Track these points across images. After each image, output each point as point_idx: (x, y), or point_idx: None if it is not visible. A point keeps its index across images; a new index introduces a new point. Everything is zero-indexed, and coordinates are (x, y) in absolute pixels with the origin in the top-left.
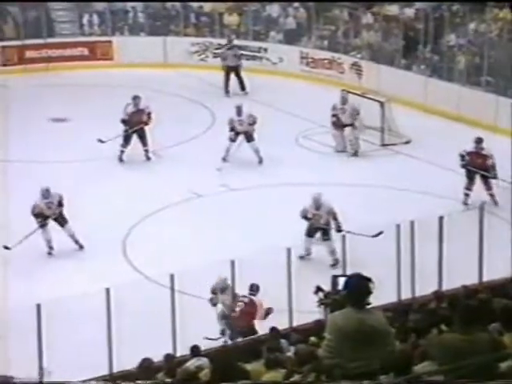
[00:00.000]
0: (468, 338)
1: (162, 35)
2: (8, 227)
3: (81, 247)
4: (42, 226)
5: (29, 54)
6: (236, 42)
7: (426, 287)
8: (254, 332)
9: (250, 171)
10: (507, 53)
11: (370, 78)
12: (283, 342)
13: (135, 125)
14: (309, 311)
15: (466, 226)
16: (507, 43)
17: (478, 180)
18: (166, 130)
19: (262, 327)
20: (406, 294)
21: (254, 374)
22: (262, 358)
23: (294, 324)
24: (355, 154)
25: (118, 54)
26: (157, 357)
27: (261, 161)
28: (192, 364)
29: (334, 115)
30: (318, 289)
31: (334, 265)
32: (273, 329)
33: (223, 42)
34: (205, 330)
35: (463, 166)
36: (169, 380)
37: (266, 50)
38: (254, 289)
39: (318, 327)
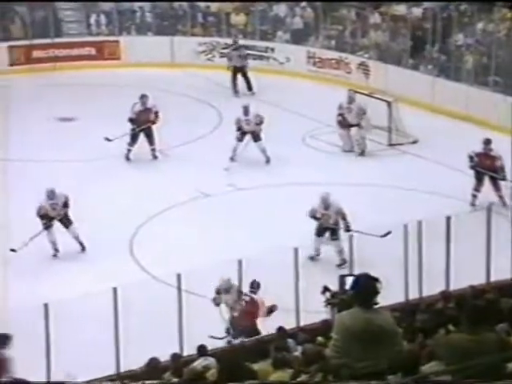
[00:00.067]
0: (475, 338)
1: (169, 35)
2: (15, 227)
3: (83, 249)
4: (47, 227)
5: (36, 53)
6: (243, 41)
7: (433, 287)
8: (257, 331)
9: (257, 171)
10: None
11: (378, 78)
12: (290, 341)
13: (142, 124)
14: (316, 311)
15: (473, 226)
16: None
17: (486, 181)
18: (173, 129)
19: (268, 327)
20: (413, 294)
21: (261, 374)
22: (269, 358)
23: (302, 324)
24: (362, 153)
25: (125, 54)
26: (164, 356)
27: (268, 160)
28: (199, 364)
29: (340, 114)
30: (326, 289)
31: (341, 265)
32: (280, 328)
33: (230, 41)
34: (211, 329)
35: (472, 168)
36: (176, 380)
37: (273, 49)
38: (254, 286)
39: (325, 327)
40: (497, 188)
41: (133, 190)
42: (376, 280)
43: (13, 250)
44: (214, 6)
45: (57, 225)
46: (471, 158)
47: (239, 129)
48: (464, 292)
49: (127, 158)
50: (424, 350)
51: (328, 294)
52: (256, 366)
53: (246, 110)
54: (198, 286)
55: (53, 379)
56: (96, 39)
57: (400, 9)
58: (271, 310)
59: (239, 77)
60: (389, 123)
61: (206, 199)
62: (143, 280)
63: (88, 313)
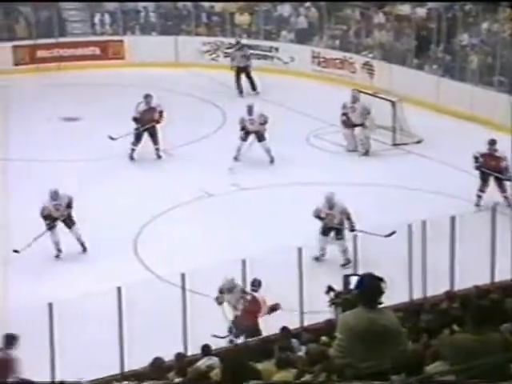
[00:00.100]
0: (480, 338)
1: (173, 35)
2: (19, 226)
3: (85, 250)
4: (51, 228)
5: (40, 53)
6: (247, 41)
7: (437, 287)
8: (258, 330)
9: (261, 170)
10: None
11: (382, 78)
12: (294, 341)
13: (147, 123)
14: (320, 311)
15: (478, 226)
16: None
17: (491, 182)
18: (177, 129)
19: (272, 327)
20: (417, 294)
21: (265, 374)
22: (273, 358)
23: (305, 324)
24: (366, 153)
25: (130, 54)
26: (168, 356)
27: (272, 160)
28: (203, 363)
29: (343, 114)
30: (330, 288)
31: (346, 264)
32: (284, 328)
33: (233, 41)
34: (215, 329)
35: (477, 168)
36: (180, 379)
37: (277, 49)
38: (256, 284)
39: (328, 327)
40: (502, 189)
41: (137, 190)
42: (380, 280)
43: (16, 251)
44: (218, 6)
45: (60, 225)
46: (476, 158)
47: (243, 128)
48: (468, 292)
49: (131, 158)
50: (428, 350)
51: (332, 294)
52: (260, 366)
53: (250, 110)
54: (202, 286)
55: (57, 379)
56: (100, 39)
57: (404, 9)
58: (274, 308)
59: (243, 77)
60: (393, 123)
61: (209, 199)
62: (147, 279)
63: (92, 312)
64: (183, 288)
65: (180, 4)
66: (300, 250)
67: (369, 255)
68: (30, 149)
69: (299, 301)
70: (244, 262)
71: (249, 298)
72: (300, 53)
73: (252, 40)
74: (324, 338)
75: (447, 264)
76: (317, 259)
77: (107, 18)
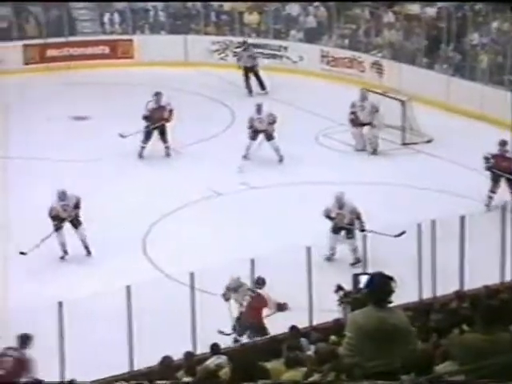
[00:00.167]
0: (489, 338)
1: (182, 34)
2: (27, 225)
3: (89, 253)
4: (58, 229)
5: (50, 52)
6: (256, 40)
7: (447, 287)
8: (263, 326)
9: (270, 169)
10: None
11: (392, 77)
12: (303, 340)
13: (156, 121)
14: (329, 310)
15: (487, 226)
16: None
17: (502, 183)
18: (186, 128)
19: (281, 326)
20: (427, 294)
21: (273, 373)
22: (282, 357)
23: (314, 323)
24: (374, 152)
25: (139, 53)
26: (177, 355)
27: (281, 159)
28: (212, 362)
29: (352, 112)
30: (339, 287)
31: (355, 263)
32: (293, 327)
33: (240, 41)
34: (224, 328)
35: (488, 169)
36: (188, 379)
37: (286, 48)
38: (259, 282)
39: (337, 326)
40: None
41: (146, 188)
42: (390, 279)
43: (22, 253)
44: (227, 5)
45: (66, 226)
46: (487, 159)
47: (251, 127)
48: (478, 292)
49: (140, 156)
50: (438, 350)
51: (341, 293)
52: (269, 365)
53: (258, 109)
54: (210, 285)
55: (67, 378)
56: (110, 38)
57: (414, 8)
58: (282, 306)
59: (251, 76)
60: (403, 122)
61: (218, 198)
62: (156, 278)
63: (101, 311)
64: (192, 287)
65: (189, 3)
66: (309, 250)
67: (378, 255)
68: (39, 148)
69: (308, 300)
70: (253, 261)
71: (253, 294)
72: (309, 52)
73: (261, 39)
74: (333, 338)
75: (457, 264)
76: (328, 259)
77: (117, 17)
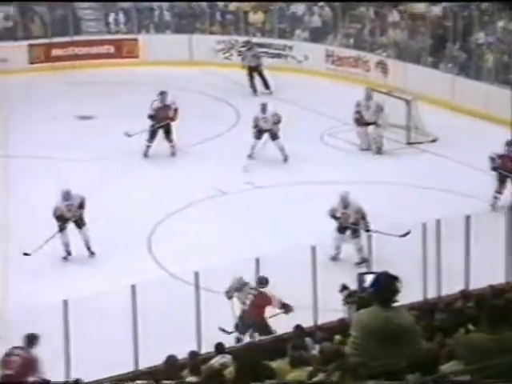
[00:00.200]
0: (495, 337)
1: (187, 33)
2: (33, 224)
3: (92, 254)
4: (62, 229)
5: (55, 51)
6: (261, 40)
7: (452, 286)
8: (266, 324)
9: (275, 169)
10: None
11: (396, 76)
12: (308, 340)
13: (161, 120)
14: (334, 309)
15: (492, 225)
16: None
17: (508, 183)
18: (191, 127)
19: (286, 325)
20: (432, 294)
21: (278, 372)
22: (286, 356)
23: (319, 322)
24: (379, 151)
25: (144, 52)
26: (181, 354)
27: (286, 159)
28: (216, 361)
29: (357, 112)
30: (344, 287)
31: (361, 263)
32: (297, 327)
33: (244, 40)
34: (229, 327)
35: (494, 169)
36: (193, 378)
37: (291, 48)
38: (262, 281)
39: (342, 326)
40: None
41: (151, 187)
42: (396, 279)
43: (26, 254)
44: (232, 4)
45: (70, 226)
46: (493, 159)
47: (256, 126)
48: (483, 291)
49: (146, 155)
50: (443, 350)
51: (346, 293)
52: (274, 365)
53: (263, 108)
54: (215, 284)
55: (72, 377)
56: (115, 37)
57: (419, 7)
58: (287, 306)
59: (256, 76)
60: (407, 122)
61: (223, 197)
62: (161, 278)
63: (106, 310)
64: (197, 286)
65: (194, 3)
66: (314, 249)
67: (383, 254)
68: (44, 147)
69: (313, 299)
70: (258, 261)
71: (256, 292)
72: (314, 51)
73: (266, 38)
74: (338, 337)
75: (462, 263)
76: (333, 259)
77: (122, 16)
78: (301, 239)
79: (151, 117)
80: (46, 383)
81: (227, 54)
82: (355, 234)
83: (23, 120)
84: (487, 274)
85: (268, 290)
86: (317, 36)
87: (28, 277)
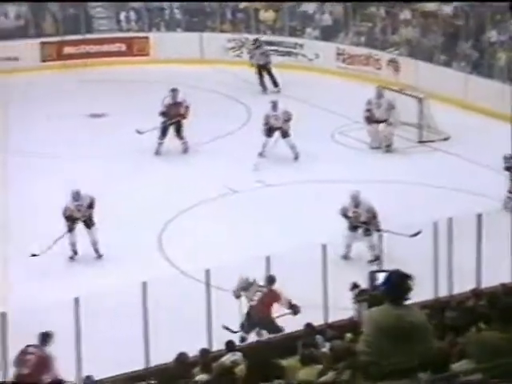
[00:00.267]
0: (507, 336)
1: (198, 31)
2: (44, 222)
3: (99, 256)
4: (71, 229)
5: (67, 49)
6: (272, 38)
7: (463, 285)
8: (272, 322)
9: (286, 167)
10: None
11: (408, 74)
12: (318, 338)
13: (173, 117)
14: (344, 308)
15: (504, 224)
16: None
17: None
18: (202, 125)
19: (296, 323)
20: (443, 292)
21: (289, 370)
22: (297, 354)
23: (330, 320)
24: (388, 148)
25: (155, 50)
26: (192, 352)
27: (297, 157)
28: (227, 359)
29: (367, 110)
30: (354, 285)
31: (374, 261)
32: (308, 325)
33: (259, 37)
34: (239, 325)
35: (507, 169)
36: (204, 376)
37: (302, 46)
38: (270, 280)
39: (353, 324)
40: None
41: (162, 185)
42: (408, 277)
43: (34, 255)
44: (242, 3)
45: (78, 226)
46: (507, 158)
47: (267, 124)
48: (495, 290)
49: (157, 153)
50: (455, 348)
51: (357, 291)
52: (284, 362)
53: (274, 106)
54: (226, 282)
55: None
56: (126, 35)
57: (430, 5)
58: (294, 307)
59: (265, 74)
60: (419, 120)
61: (234, 195)
62: (172, 275)
63: (117, 308)
64: (208, 284)
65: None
66: (324, 247)
67: (394, 253)
68: (56, 145)
69: (323, 297)
70: (268, 259)
71: (265, 290)
72: (325, 50)
73: (277, 36)
74: (349, 335)
75: (473, 262)
76: (344, 257)
77: (132, 14)
78: (311, 237)
79: (162, 114)
80: (60, 382)
81: (238, 52)
82: (367, 232)
83: (35, 118)
84: (499, 273)
85: (276, 288)
86: (328, 34)
87: (36, 276)
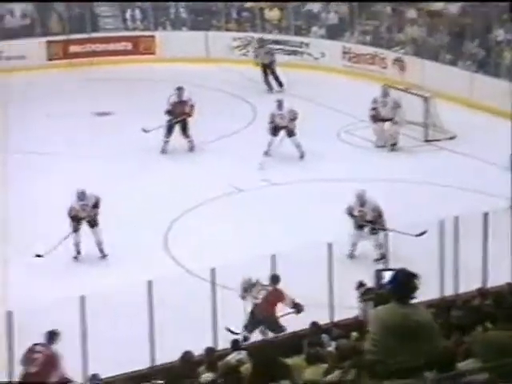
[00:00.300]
0: None
1: (203, 30)
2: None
3: (104, 256)
4: (76, 230)
5: (73, 48)
6: (277, 36)
7: (469, 284)
8: (276, 321)
9: (292, 166)
10: None
11: (414, 73)
12: (324, 336)
13: (178, 116)
14: (350, 307)
15: (511, 223)
16: None
17: None
18: (207, 124)
19: (302, 322)
20: (449, 291)
21: (294, 369)
22: (302, 353)
23: (336, 319)
24: (393, 147)
25: (161, 49)
26: (198, 350)
27: (302, 156)
28: (233, 358)
29: (373, 108)
30: (360, 284)
31: (380, 259)
32: (314, 324)
33: (265, 36)
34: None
35: None
36: (210, 375)
37: (307, 44)
38: (274, 280)
39: (358, 323)
40: None
41: (167, 184)
42: (414, 276)
43: (39, 256)
44: (248, 2)
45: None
46: None
47: (272, 123)
48: (501, 289)
49: (163, 151)
50: (461, 347)
51: (362, 290)
52: (290, 361)
53: (279, 104)
54: (231, 281)
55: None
56: (132, 34)
57: (437, 4)
58: (298, 306)
59: (269, 73)
60: (425, 119)
61: (240, 194)
62: (177, 274)
63: (122, 306)
64: (213, 283)
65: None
66: (330, 246)
67: (400, 251)
68: (61, 144)
69: (329, 296)
70: (274, 258)
71: (270, 288)
72: (330, 48)
73: (282, 35)
74: (354, 334)
75: (479, 261)
76: (350, 256)
77: (138, 13)
78: (317, 236)
79: (168, 112)
80: (67, 381)
81: (243, 51)
82: (373, 230)
83: (40, 117)
84: (505, 272)
85: (281, 288)
86: (333, 33)
87: (38, 276)
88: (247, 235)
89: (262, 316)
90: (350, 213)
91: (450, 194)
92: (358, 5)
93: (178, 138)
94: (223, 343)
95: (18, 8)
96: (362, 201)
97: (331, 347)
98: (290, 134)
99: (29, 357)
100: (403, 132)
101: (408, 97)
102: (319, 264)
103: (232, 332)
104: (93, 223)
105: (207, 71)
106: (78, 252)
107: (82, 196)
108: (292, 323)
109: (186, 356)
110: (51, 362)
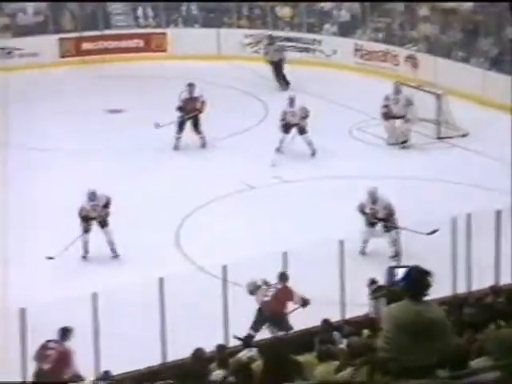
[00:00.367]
0: None
1: (215, 27)
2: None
3: (116, 256)
4: (87, 230)
5: (86, 45)
6: (289, 34)
7: (482, 282)
8: (284, 320)
9: (303, 163)
10: None
11: (427, 71)
12: (336, 334)
13: (189, 112)
14: (362, 304)
15: None
16: None
17: None
18: (219, 121)
19: (313, 319)
20: (461, 289)
21: (306, 366)
22: (314, 350)
23: (347, 317)
24: (405, 142)
25: (172, 46)
26: (209, 347)
27: (314, 153)
28: (244, 355)
29: (385, 106)
30: (372, 281)
31: (395, 256)
32: (325, 321)
33: (277, 33)
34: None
35: None
36: (221, 372)
37: (319, 42)
38: (282, 278)
39: (370, 320)
40: None
41: (179, 181)
42: (428, 273)
43: (50, 258)
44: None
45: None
46: None
47: (284, 120)
48: None
49: (176, 148)
50: (473, 345)
51: (374, 287)
52: (301, 358)
53: (291, 102)
54: (243, 278)
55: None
56: (144, 31)
57: (450, 2)
58: (305, 302)
59: (279, 70)
60: (437, 116)
61: (251, 191)
62: (189, 271)
63: (134, 303)
64: (225, 280)
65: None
66: (342, 243)
67: (412, 249)
68: (74, 140)
69: (340, 293)
70: (285, 255)
71: (280, 286)
72: (343, 45)
73: (294, 32)
74: (366, 331)
75: (491, 258)
76: (361, 253)
77: (150, 10)
78: (329, 234)
79: (179, 108)
80: (80, 378)
81: (255, 48)
82: (386, 228)
83: (52, 113)
84: None
85: (290, 285)
86: (345, 30)
87: (49, 276)
88: (259, 232)
89: (269, 313)
90: (362, 210)
91: (462, 191)
92: (370, 2)
93: (190, 135)
94: (234, 340)
95: (30, 5)
96: (373, 198)
97: (343, 344)
98: (302, 131)
99: (42, 353)
100: (415, 129)
101: (420, 94)
102: (330, 261)
103: (240, 339)
104: (103, 223)
105: (219, 68)
106: (87, 251)
107: (92, 196)
108: (303, 320)
109: (198, 353)
110: (64, 358)
